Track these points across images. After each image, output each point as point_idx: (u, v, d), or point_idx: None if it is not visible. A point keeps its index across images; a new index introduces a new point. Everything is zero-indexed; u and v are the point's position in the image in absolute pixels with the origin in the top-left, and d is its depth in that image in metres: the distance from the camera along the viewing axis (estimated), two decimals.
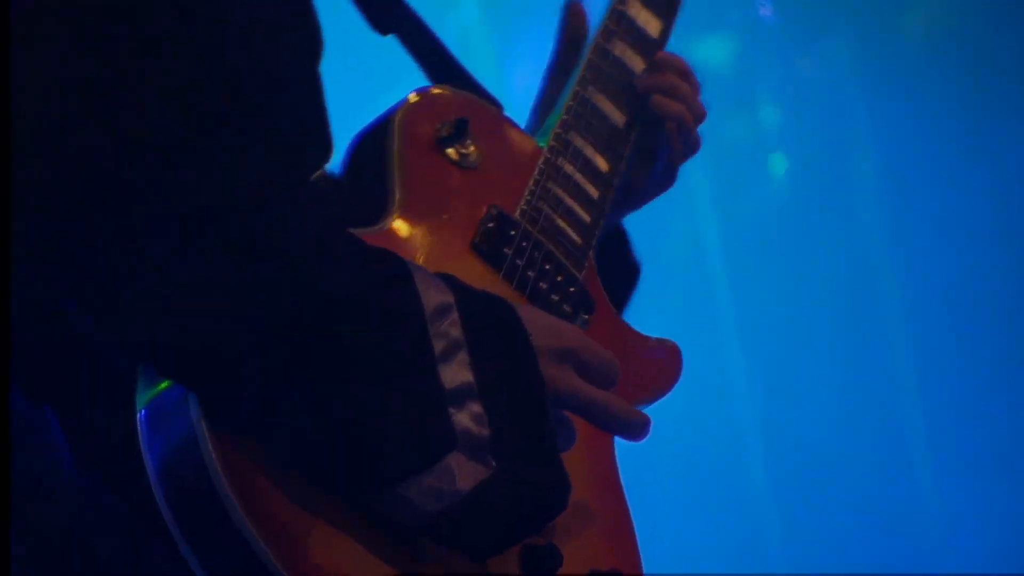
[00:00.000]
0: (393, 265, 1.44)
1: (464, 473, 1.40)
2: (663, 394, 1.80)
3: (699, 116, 1.90)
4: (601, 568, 1.56)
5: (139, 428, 1.40)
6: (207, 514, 1.38)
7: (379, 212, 1.63)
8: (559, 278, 1.73)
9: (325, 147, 1.62)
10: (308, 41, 1.63)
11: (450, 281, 1.47)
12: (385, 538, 1.41)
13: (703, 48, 5.81)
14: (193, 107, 1.39)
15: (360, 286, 1.40)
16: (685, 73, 1.91)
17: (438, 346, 1.40)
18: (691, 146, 1.90)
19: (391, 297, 1.41)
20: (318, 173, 1.61)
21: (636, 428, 1.57)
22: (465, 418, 1.40)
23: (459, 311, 1.43)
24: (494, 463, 1.41)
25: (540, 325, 1.51)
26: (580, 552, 1.56)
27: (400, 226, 1.63)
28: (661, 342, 1.83)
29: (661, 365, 1.82)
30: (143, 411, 1.40)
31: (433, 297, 1.43)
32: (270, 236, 1.38)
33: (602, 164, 1.84)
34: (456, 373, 1.41)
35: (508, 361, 1.46)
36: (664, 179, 1.92)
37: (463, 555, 1.44)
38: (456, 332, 1.42)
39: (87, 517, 1.47)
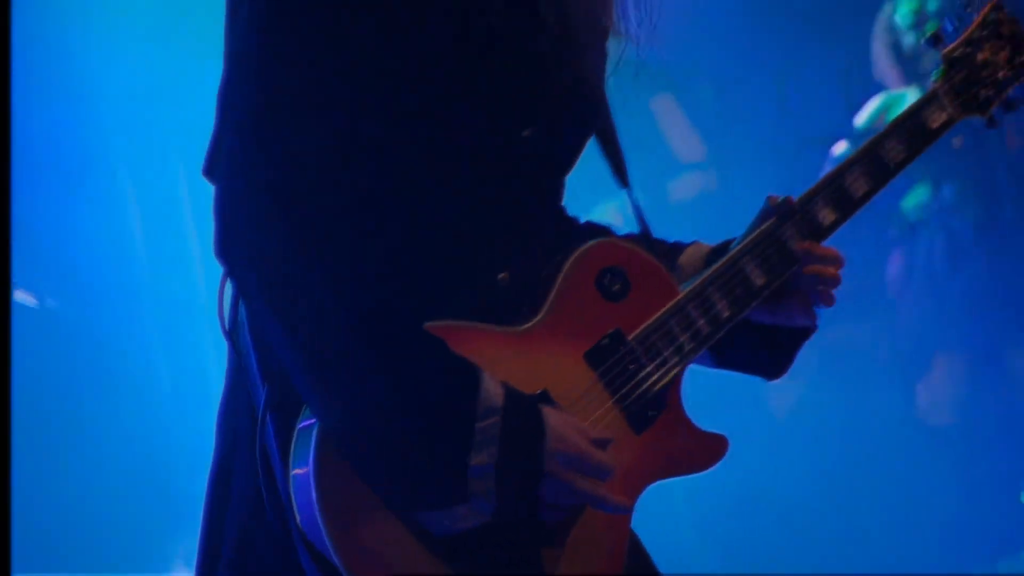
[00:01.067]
0: (463, 372, 2.06)
1: (465, 518, 2.05)
2: (701, 471, 2.33)
3: (831, 299, 2.41)
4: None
5: (300, 428, 2.08)
6: (305, 492, 2.05)
7: (531, 315, 2.21)
8: (644, 385, 2.24)
9: (538, 253, 2.25)
10: (561, 162, 2.33)
11: (511, 392, 2.07)
12: (419, 543, 2.06)
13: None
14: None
15: (432, 382, 2.04)
16: (837, 258, 2.41)
17: (477, 437, 2.02)
18: (829, 301, 2.42)
19: (454, 399, 2.04)
20: (504, 276, 2.20)
21: (613, 510, 2.17)
22: (479, 485, 2.02)
23: (503, 415, 2.04)
24: (490, 516, 2.04)
25: (559, 433, 2.08)
26: (571, 560, 2.17)
27: (535, 330, 2.19)
28: (712, 436, 2.34)
29: (704, 452, 2.33)
30: (304, 421, 2.09)
31: (488, 400, 2.04)
32: (393, 339, 2.03)
33: (724, 311, 2.32)
34: (484, 456, 2.02)
35: (524, 455, 2.05)
36: (806, 317, 2.43)
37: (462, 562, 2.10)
38: (495, 430, 2.03)
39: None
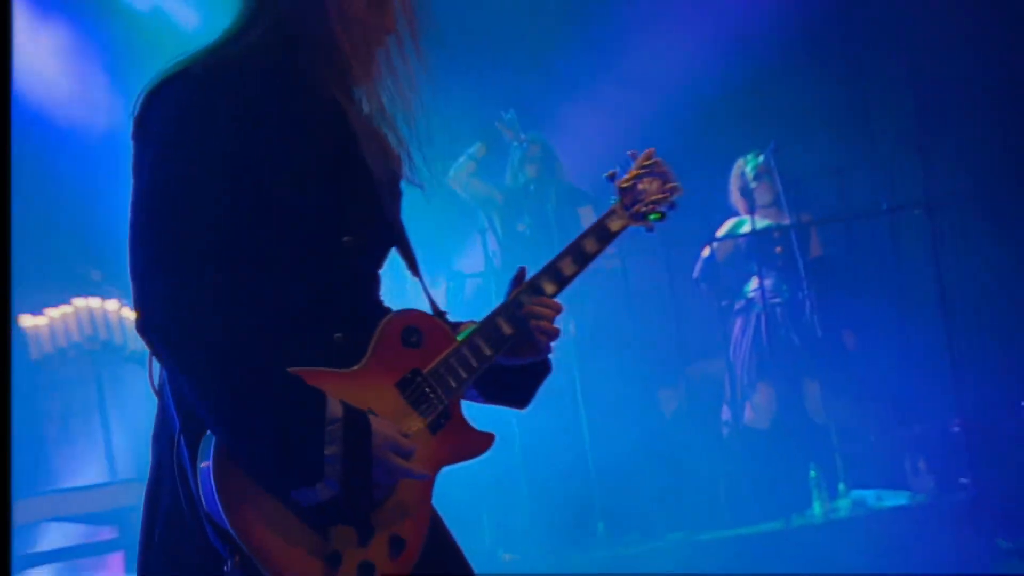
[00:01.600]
0: (315, 396, 2.42)
1: (323, 492, 2.42)
2: (478, 456, 2.75)
3: (555, 334, 2.82)
4: (401, 535, 2.57)
5: (203, 437, 2.46)
6: (207, 485, 2.44)
7: (359, 361, 2.59)
8: (436, 402, 2.66)
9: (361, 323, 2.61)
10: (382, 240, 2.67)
11: (347, 406, 2.44)
12: (290, 512, 2.46)
13: None
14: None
15: (294, 404, 2.42)
16: (554, 309, 2.80)
17: (327, 437, 2.40)
18: (551, 339, 2.83)
19: (308, 410, 2.42)
20: (339, 336, 2.56)
21: (419, 478, 2.56)
22: (330, 470, 2.41)
23: (344, 422, 2.42)
24: (339, 490, 2.41)
25: (381, 431, 2.47)
26: (392, 522, 2.56)
27: (361, 371, 2.58)
28: (483, 434, 2.76)
29: (479, 444, 2.75)
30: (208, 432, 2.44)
31: (332, 413, 2.42)
32: (261, 372, 2.42)
33: (487, 351, 2.73)
34: (332, 449, 2.40)
35: (359, 447, 2.43)
36: (542, 353, 2.85)
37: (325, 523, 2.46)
38: (339, 432, 2.41)
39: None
